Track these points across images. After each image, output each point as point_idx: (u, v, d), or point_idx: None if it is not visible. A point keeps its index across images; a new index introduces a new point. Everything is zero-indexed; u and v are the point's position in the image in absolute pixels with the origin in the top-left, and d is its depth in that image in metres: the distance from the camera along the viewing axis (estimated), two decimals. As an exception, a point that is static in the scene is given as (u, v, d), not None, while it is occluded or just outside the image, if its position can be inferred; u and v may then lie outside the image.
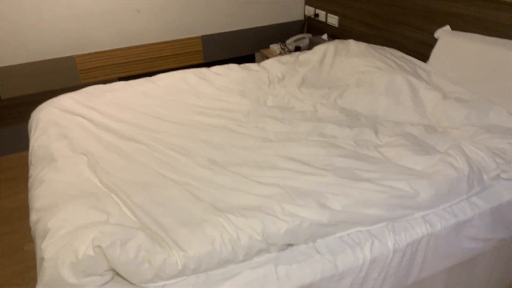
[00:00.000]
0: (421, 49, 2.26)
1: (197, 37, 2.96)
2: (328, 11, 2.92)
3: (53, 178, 1.47)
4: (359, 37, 2.69)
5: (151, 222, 1.24)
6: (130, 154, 1.60)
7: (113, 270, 1.13)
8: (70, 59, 2.67)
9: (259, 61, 3.22)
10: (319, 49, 2.36)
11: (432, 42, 2.14)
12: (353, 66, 2.12)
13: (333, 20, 2.88)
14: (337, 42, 2.37)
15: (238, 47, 3.12)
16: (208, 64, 3.07)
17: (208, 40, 3.00)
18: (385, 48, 2.26)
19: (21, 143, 2.67)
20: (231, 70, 2.25)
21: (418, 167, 1.46)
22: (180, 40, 2.92)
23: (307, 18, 3.16)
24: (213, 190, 1.37)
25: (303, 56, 2.35)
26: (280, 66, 2.29)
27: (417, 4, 2.22)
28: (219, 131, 1.74)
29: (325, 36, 2.88)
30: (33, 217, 1.34)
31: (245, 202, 1.29)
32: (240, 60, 3.16)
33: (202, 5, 2.86)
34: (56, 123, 1.83)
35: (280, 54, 2.95)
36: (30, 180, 1.56)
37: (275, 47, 3.03)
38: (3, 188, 2.45)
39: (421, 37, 2.25)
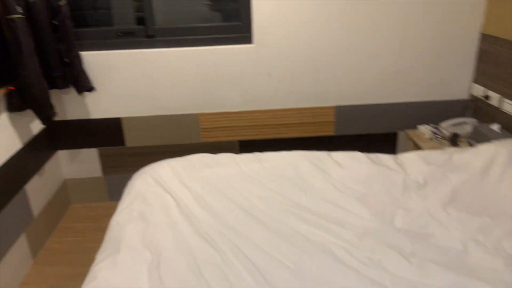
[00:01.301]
0: None
1: (330, 107, 2.59)
2: (504, 94, 2.24)
3: (105, 279, 1.24)
4: (549, 137, 1.95)
5: None
6: (197, 263, 1.28)
7: None
8: (194, 117, 2.58)
9: (403, 143, 2.68)
10: (484, 150, 1.73)
11: None
12: (535, 188, 1.46)
13: (510, 107, 2.19)
14: (513, 145, 1.72)
15: (378, 123, 2.64)
16: (338, 138, 2.66)
17: (342, 112, 2.60)
18: None
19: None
20: (356, 162, 1.80)
21: None
22: (310, 109, 2.59)
23: (474, 99, 2.51)
24: None
25: (460, 156, 1.75)
26: (424, 166, 1.74)
27: None
28: (318, 255, 1.30)
29: (496, 127, 2.20)
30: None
31: None
32: (378, 138, 2.67)
33: (340, 73, 2.50)
34: (144, 197, 1.65)
35: (431, 139, 2.36)
36: (91, 267, 1.37)
37: (425, 129, 2.45)
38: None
39: None
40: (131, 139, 2.61)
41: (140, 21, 2.41)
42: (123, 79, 2.44)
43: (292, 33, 2.39)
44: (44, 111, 2.13)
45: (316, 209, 1.54)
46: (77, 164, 2.66)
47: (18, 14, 1.92)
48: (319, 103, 2.58)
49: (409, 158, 1.83)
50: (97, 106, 2.50)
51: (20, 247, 2.11)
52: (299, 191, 1.64)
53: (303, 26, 2.38)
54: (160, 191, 1.68)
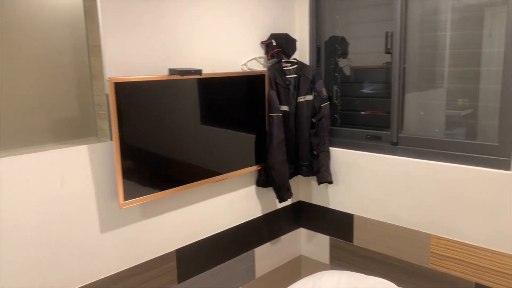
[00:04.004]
0: None
1: None
2: None
3: None
4: None
5: None
6: None
7: None
8: (425, 237, 2.26)
9: None
10: None
11: None
12: None
13: None
14: None
15: None
16: None
17: None
18: None
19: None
20: None
21: None
22: None
23: None
24: None
25: None
26: None
27: None
28: None
29: None
30: None
31: None
32: None
33: None
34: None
35: None
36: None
37: None
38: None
39: None
40: (359, 238, 2.58)
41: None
42: (362, 180, 2.49)
43: None
44: (281, 192, 2.50)
45: None
46: (312, 245, 2.87)
47: (276, 113, 2.39)
48: None
49: None
50: (335, 198, 2.65)
51: (234, 298, 2.52)
52: None
53: None
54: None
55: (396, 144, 2.36)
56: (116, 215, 1.91)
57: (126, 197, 1.85)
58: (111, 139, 1.85)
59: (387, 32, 2.34)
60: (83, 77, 1.87)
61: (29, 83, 1.72)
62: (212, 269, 2.37)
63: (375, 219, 2.48)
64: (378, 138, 2.45)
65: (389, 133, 2.39)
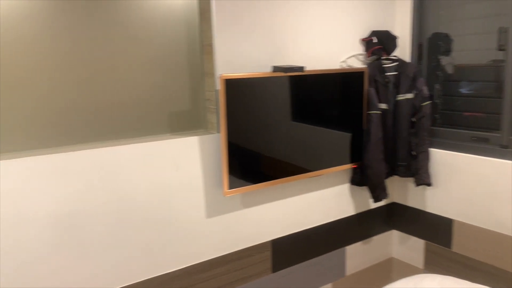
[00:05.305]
0: None
1: None
2: None
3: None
4: None
5: None
6: None
7: None
8: (537, 248, 2.09)
9: None
10: None
11: None
12: None
13: None
14: None
15: None
16: None
17: None
18: None
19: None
20: None
21: None
22: None
23: None
24: None
25: None
26: None
27: None
28: None
29: None
30: None
31: None
32: None
33: None
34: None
35: None
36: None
37: None
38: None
39: None
40: (459, 245, 2.45)
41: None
42: (464, 183, 2.36)
43: None
44: (376, 191, 2.46)
45: None
46: (405, 248, 2.79)
47: (375, 111, 2.37)
48: None
49: None
50: (433, 201, 2.55)
51: (323, 293, 2.55)
52: None
53: None
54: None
55: (506, 147, 2.20)
56: (220, 203, 2.04)
57: (231, 186, 1.97)
58: (218, 132, 1.98)
59: (500, 28, 2.19)
60: (195, 74, 2.03)
61: (147, 79, 1.91)
62: (304, 262, 2.42)
63: (478, 225, 2.33)
64: (485, 140, 2.30)
65: (498, 135, 2.24)
